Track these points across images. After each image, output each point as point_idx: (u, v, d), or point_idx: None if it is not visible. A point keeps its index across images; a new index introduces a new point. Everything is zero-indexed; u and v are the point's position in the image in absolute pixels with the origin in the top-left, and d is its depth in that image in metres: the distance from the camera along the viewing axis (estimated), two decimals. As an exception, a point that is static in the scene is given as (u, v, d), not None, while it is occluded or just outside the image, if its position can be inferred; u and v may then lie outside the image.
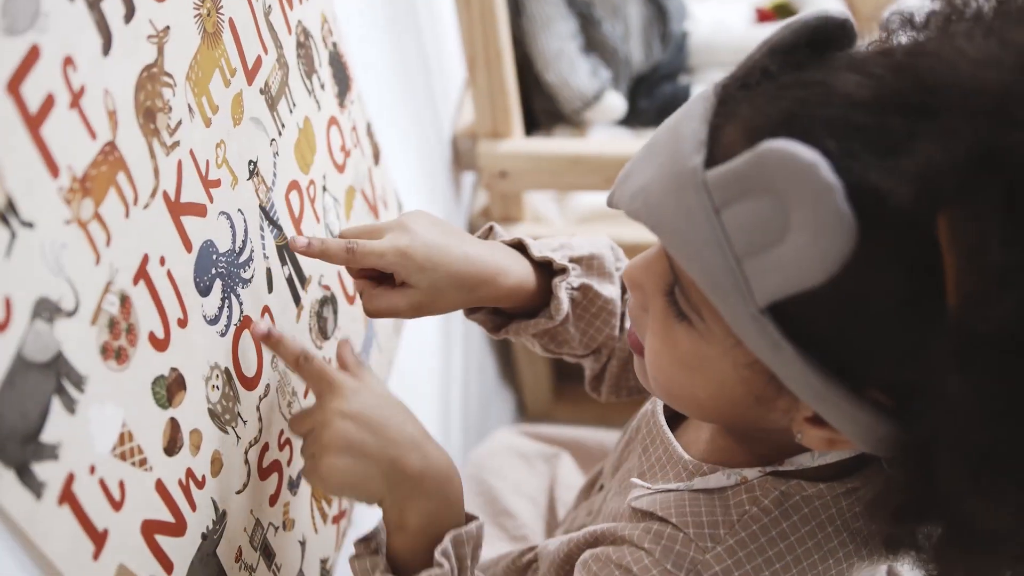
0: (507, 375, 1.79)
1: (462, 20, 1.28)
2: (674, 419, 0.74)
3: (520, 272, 0.77)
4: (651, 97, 1.68)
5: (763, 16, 1.82)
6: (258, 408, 0.73)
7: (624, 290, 0.83)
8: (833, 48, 0.55)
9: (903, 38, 0.53)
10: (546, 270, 0.80)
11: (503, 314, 0.82)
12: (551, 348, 0.83)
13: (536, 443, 1.14)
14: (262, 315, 0.74)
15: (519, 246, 0.79)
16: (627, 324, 0.82)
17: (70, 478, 0.52)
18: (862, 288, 0.48)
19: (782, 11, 1.81)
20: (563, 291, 0.78)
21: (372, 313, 0.75)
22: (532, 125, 1.63)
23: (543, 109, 1.63)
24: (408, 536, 0.67)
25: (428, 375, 1.31)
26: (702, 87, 1.73)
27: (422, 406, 1.27)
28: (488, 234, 0.83)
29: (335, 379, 0.68)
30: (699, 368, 0.59)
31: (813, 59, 0.53)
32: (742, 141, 0.51)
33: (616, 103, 1.59)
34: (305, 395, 0.81)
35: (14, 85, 0.48)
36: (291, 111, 0.79)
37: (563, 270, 0.79)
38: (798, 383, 0.52)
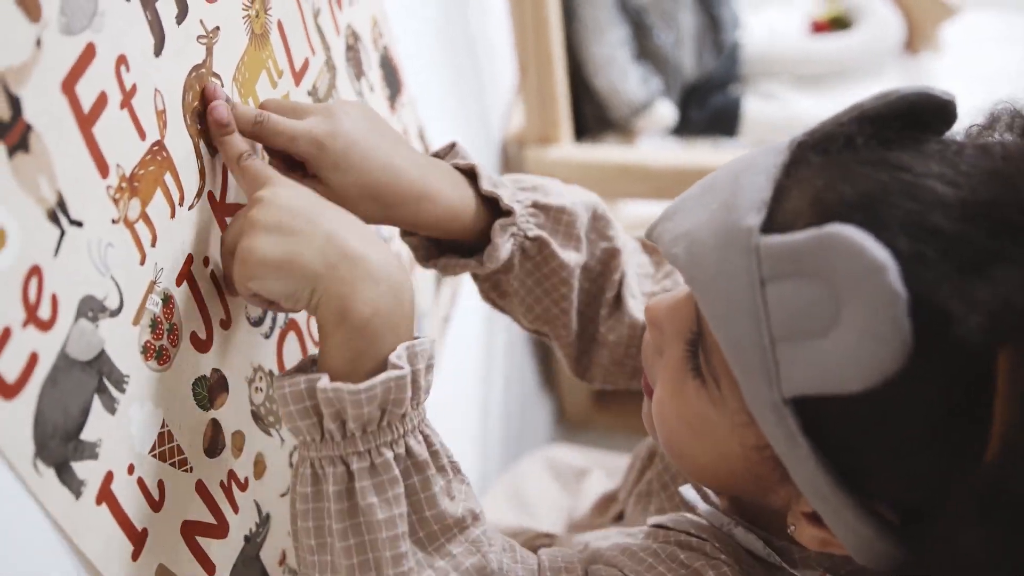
0: (547, 380, 1.78)
1: (515, 24, 1.28)
2: None
3: (454, 201, 0.67)
4: (702, 107, 1.67)
5: (818, 27, 1.81)
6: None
7: (603, 276, 0.75)
8: (928, 128, 0.50)
9: (1007, 135, 0.49)
10: (494, 208, 0.70)
11: (439, 245, 0.72)
12: (492, 296, 0.75)
13: (576, 458, 1.12)
14: (309, 317, 0.73)
15: (470, 173, 0.70)
16: (633, 310, 0.76)
17: (109, 477, 0.52)
18: (898, 407, 0.45)
19: (837, 23, 1.80)
20: (504, 237, 0.69)
21: None
22: (581, 131, 1.62)
23: (593, 115, 1.62)
24: (348, 332, 0.54)
25: (469, 378, 1.31)
26: (754, 98, 1.72)
27: (462, 409, 1.27)
28: (448, 152, 0.72)
29: (277, 175, 0.59)
30: (704, 433, 0.54)
31: (904, 137, 0.49)
32: (808, 213, 0.47)
33: (666, 112, 1.59)
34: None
35: (69, 84, 0.48)
36: (339, 114, 0.78)
37: (509, 212, 0.69)
38: (806, 481, 0.48)
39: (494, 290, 0.74)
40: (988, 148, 0.47)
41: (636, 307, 0.75)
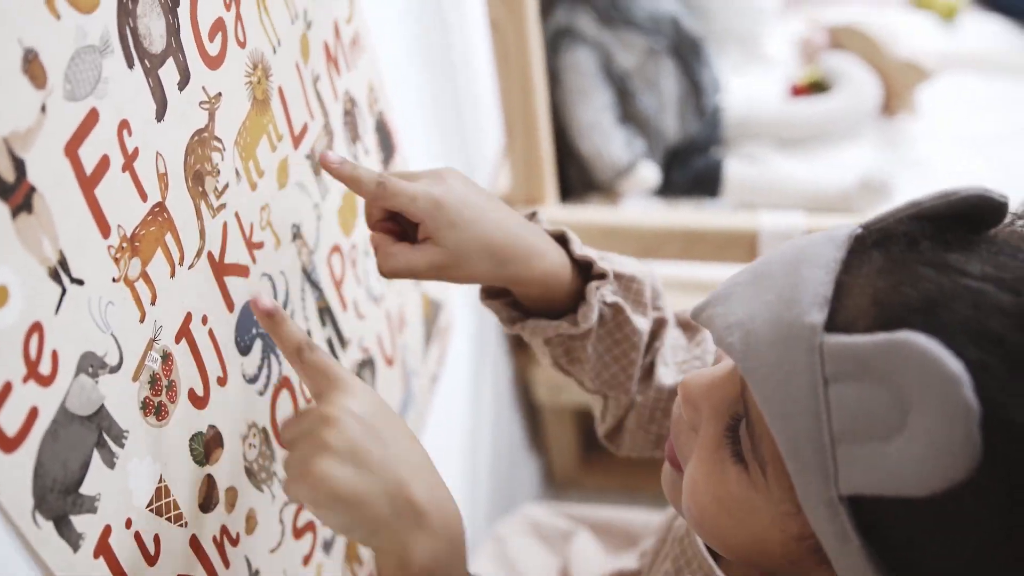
0: (534, 440, 1.79)
1: (502, 89, 1.31)
2: None
3: (556, 261, 0.70)
4: (684, 169, 1.70)
5: (797, 91, 1.85)
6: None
7: (654, 338, 0.77)
8: (981, 226, 0.50)
9: None
10: (583, 272, 0.73)
11: (520, 309, 0.74)
12: (562, 363, 0.75)
13: (560, 519, 1.11)
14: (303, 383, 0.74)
15: (561, 238, 0.72)
16: (663, 377, 0.76)
17: (107, 531, 0.52)
18: (957, 514, 0.44)
19: (816, 86, 1.84)
20: (596, 298, 0.71)
21: (387, 271, 0.67)
22: (567, 192, 1.65)
23: (578, 177, 1.65)
24: None
25: (457, 439, 1.31)
26: (736, 160, 1.76)
27: (450, 470, 1.27)
28: (531, 218, 0.74)
29: (342, 375, 0.58)
30: (741, 515, 0.53)
31: (961, 239, 0.49)
32: (870, 313, 0.46)
33: (649, 174, 1.62)
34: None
35: (72, 148, 0.49)
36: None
37: (602, 275, 0.71)
38: (851, 573, 0.48)
39: (565, 356, 0.75)
40: None
41: (666, 374, 0.76)
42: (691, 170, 1.70)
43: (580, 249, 0.71)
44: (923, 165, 1.69)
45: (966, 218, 0.50)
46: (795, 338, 0.47)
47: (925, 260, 0.47)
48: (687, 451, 0.57)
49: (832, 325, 0.47)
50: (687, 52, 1.67)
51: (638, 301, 0.74)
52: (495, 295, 0.75)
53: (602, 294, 0.71)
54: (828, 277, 0.48)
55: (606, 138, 1.59)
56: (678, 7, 1.71)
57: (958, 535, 0.45)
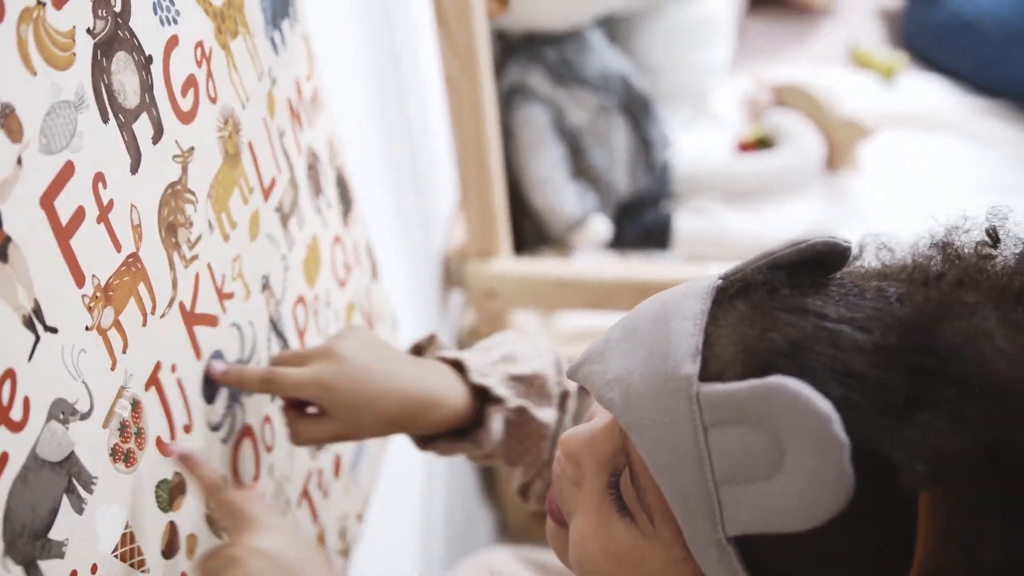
0: (488, 492, 1.79)
1: (456, 144, 1.33)
2: None
3: (452, 403, 0.73)
4: (635, 222, 1.74)
5: (744, 147, 1.90)
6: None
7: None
8: (829, 269, 0.53)
9: (874, 263, 0.53)
10: (483, 395, 0.76)
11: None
12: (477, 457, 0.79)
13: (523, 570, 1.11)
14: (263, 424, 0.76)
15: (458, 364, 0.76)
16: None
17: (73, 576, 0.53)
18: (834, 544, 0.47)
19: (762, 143, 1.90)
20: (496, 422, 0.74)
21: (296, 443, 0.73)
22: (520, 245, 1.68)
23: (531, 230, 1.69)
24: None
25: (410, 489, 1.32)
26: (685, 213, 1.79)
27: (403, 520, 1.28)
28: (430, 344, 0.79)
29: (252, 512, 0.63)
30: (632, 565, 0.54)
31: (813, 283, 0.52)
32: (740, 360, 0.49)
33: (601, 227, 1.65)
34: (299, 504, 0.82)
35: (48, 199, 0.51)
36: (300, 228, 0.82)
37: (499, 400, 0.75)
38: None
39: (480, 456, 0.78)
40: (883, 290, 0.50)
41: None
42: (641, 224, 1.74)
43: (478, 377, 0.74)
44: (865, 218, 1.75)
45: (815, 263, 0.53)
46: (672, 390, 0.49)
47: (785, 306, 0.49)
48: (571, 506, 0.58)
49: (705, 375, 0.49)
50: (637, 109, 1.72)
51: (541, 394, 0.77)
52: None
53: (505, 405, 0.74)
54: (696, 329, 0.50)
55: (558, 193, 1.62)
56: (628, 66, 1.76)
57: (838, 566, 0.47)
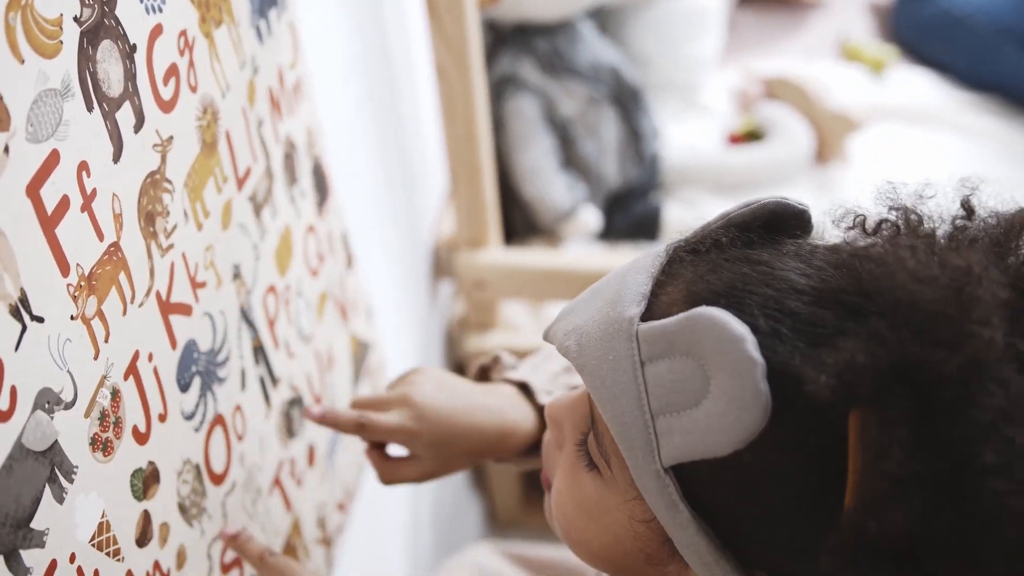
0: (477, 481, 1.80)
1: (447, 134, 1.34)
2: None
3: (525, 427, 0.77)
4: (625, 213, 1.74)
5: (734, 139, 1.91)
6: (223, 504, 0.74)
7: None
8: (786, 233, 0.56)
9: (853, 236, 0.55)
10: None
11: None
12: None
13: (509, 568, 1.12)
14: (234, 413, 0.76)
15: (524, 387, 0.80)
16: None
17: (53, 565, 0.53)
18: (764, 469, 0.49)
19: (752, 135, 1.90)
20: None
21: (385, 483, 0.78)
22: (510, 235, 1.68)
23: (521, 221, 1.69)
24: None
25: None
26: (674, 204, 1.80)
27: (392, 509, 1.28)
28: (495, 364, 0.83)
29: (294, 570, 0.71)
30: (597, 516, 0.58)
31: (765, 240, 0.55)
32: (680, 303, 0.52)
33: (590, 218, 1.65)
34: (270, 492, 0.83)
35: (34, 188, 0.51)
36: (273, 217, 0.82)
37: None
38: (689, 548, 0.51)
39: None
40: (838, 246, 0.53)
41: None
42: (631, 214, 1.74)
43: (544, 398, 0.78)
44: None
45: (772, 225, 0.56)
46: (616, 331, 0.52)
47: (730, 256, 0.53)
48: (553, 469, 0.63)
49: (648, 316, 0.52)
50: (627, 100, 1.72)
51: None
52: None
53: None
54: (647, 278, 0.54)
55: (548, 183, 1.62)
56: (619, 57, 1.76)
57: (771, 491, 0.49)
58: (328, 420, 0.77)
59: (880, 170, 1.87)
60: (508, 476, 1.74)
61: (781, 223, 0.56)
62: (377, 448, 0.79)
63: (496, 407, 0.77)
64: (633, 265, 0.56)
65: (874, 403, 0.45)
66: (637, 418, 0.51)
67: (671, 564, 0.56)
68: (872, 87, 2.06)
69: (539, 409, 0.78)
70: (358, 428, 0.76)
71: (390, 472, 0.78)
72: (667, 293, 0.53)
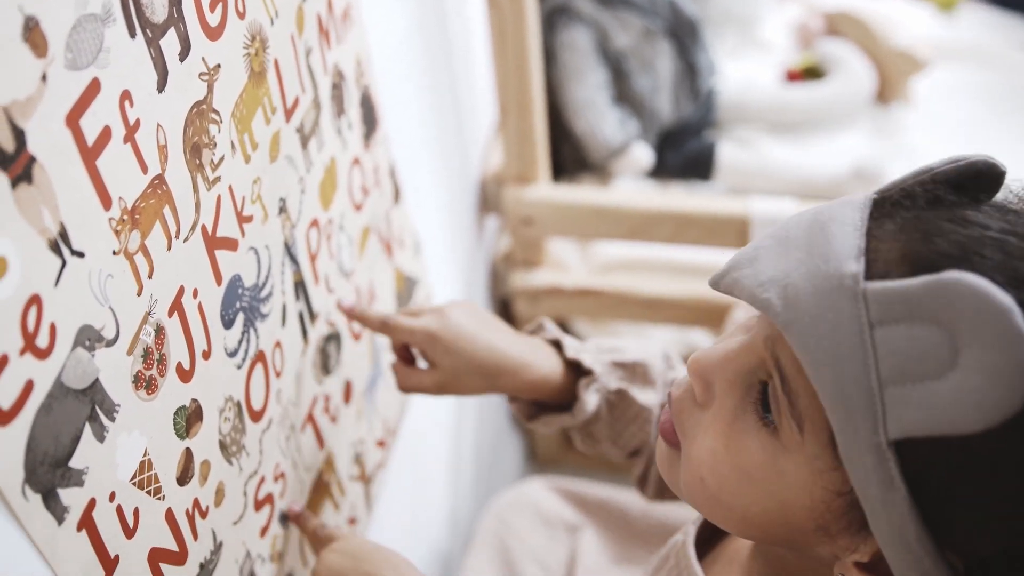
0: (518, 420, 1.79)
1: (497, 67, 1.30)
2: (703, 550, 0.70)
3: (544, 368, 0.80)
4: (677, 151, 1.69)
5: (792, 76, 1.84)
6: (260, 440, 0.73)
7: None
8: (976, 193, 0.52)
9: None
10: (579, 371, 0.83)
11: (539, 406, 0.85)
12: (588, 443, 0.86)
13: (562, 504, 1.13)
14: (274, 349, 0.75)
15: (557, 344, 0.83)
16: None
17: (91, 504, 0.52)
18: (1003, 454, 0.45)
19: (811, 72, 1.84)
20: (587, 393, 0.80)
21: (403, 389, 0.83)
22: (559, 171, 1.65)
23: (570, 156, 1.64)
24: None
25: (441, 416, 1.31)
26: (728, 143, 1.75)
27: (433, 446, 1.28)
28: (538, 329, 0.86)
29: (333, 534, 0.77)
30: (764, 482, 0.53)
31: (969, 199, 0.51)
32: (905, 262, 0.48)
33: (643, 155, 1.61)
34: (302, 429, 0.82)
35: (74, 118, 0.49)
36: (319, 150, 0.80)
37: (589, 372, 0.81)
38: (891, 526, 0.47)
39: (589, 439, 0.85)
40: None
41: None
42: (684, 152, 1.69)
43: (572, 352, 0.81)
44: (916, 154, 1.69)
45: (970, 185, 0.52)
46: (836, 288, 0.48)
47: (947, 216, 0.49)
48: (691, 427, 0.58)
49: (870, 275, 0.48)
50: (684, 34, 1.66)
51: (646, 380, 0.83)
52: (515, 398, 0.85)
53: (604, 385, 0.81)
54: (857, 233, 0.50)
55: (600, 117, 1.58)
56: (676, -12, 1.70)
57: (998, 477, 0.45)
58: (356, 314, 0.83)
59: (944, 113, 1.81)
60: None
61: (979, 182, 0.52)
62: (403, 359, 0.83)
63: (520, 341, 0.81)
64: (831, 215, 0.52)
65: None
66: (861, 385, 0.46)
67: (844, 538, 0.52)
68: (940, 25, 1.98)
69: (568, 364, 0.82)
70: (382, 325, 0.81)
71: (407, 378, 0.82)
72: (883, 251, 0.49)
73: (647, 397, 0.82)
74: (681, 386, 0.59)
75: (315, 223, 0.81)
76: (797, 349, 0.49)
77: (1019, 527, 0.46)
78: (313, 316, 0.82)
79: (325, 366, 0.86)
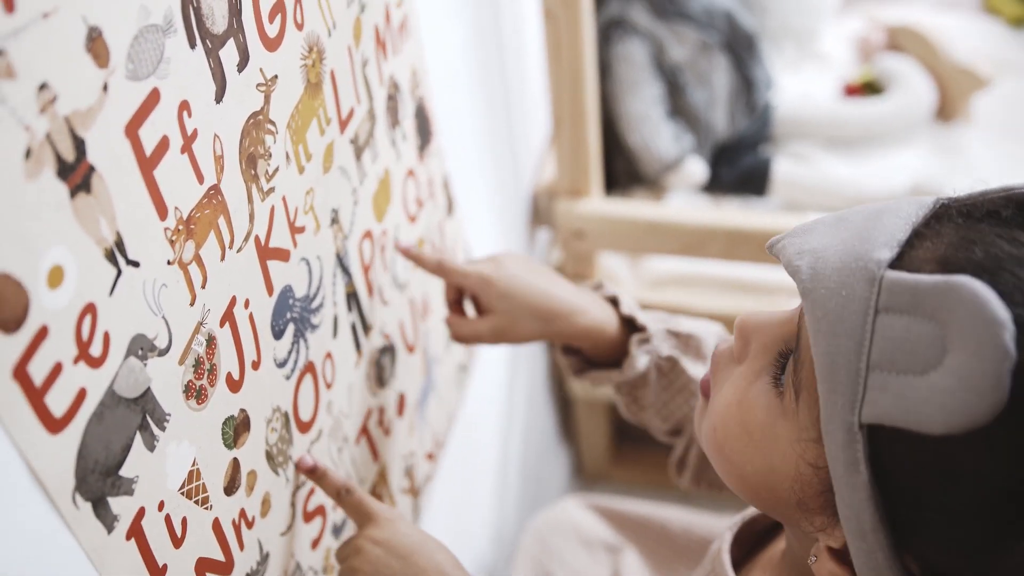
0: (566, 433, 1.78)
1: (551, 78, 1.30)
2: (741, 562, 0.71)
3: (599, 316, 0.80)
4: (732, 166, 1.67)
5: (850, 91, 1.81)
6: (309, 451, 0.73)
7: None
8: None
9: None
10: (633, 329, 0.83)
11: (588, 363, 0.85)
12: (633, 409, 0.85)
13: (602, 524, 1.12)
14: (324, 361, 0.75)
15: (614, 301, 0.83)
16: None
17: (140, 513, 0.53)
18: (968, 464, 0.45)
19: (870, 87, 1.80)
20: (638, 348, 0.80)
21: (458, 338, 0.82)
22: (611, 184, 1.64)
23: (624, 170, 1.63)
24: None
25: (489, 428, 1.31)
26: (784, 158, 1.72)
27: (480, 459, 1.27)
28: (597, 288, 0.86)
29: (372, 509, 0.72)
30: (761, 442, 0.56)
31: None
32: (934, 262, 0.48)
33: (696, 169, 1.59)
34: (356, 441, 0.82)
35: (133, 128, 0.49)
36: (374, 161, 0.80)
37: (643, 329, 0.81)
38: (851, 510, 0.49)
39: (634, 403, 0.85)
40: None
41: None
42: (739, 167, 1.67)
43: (627, 308, 0.82)
44: (976, 172, 1.66)
45: None
46: (859, 268, 0.49)
47: (999, 232, 0.48)
48: (721, 380, 0.61)
49: (898, 265, 0.49)
50: (741, 47, 1.64)
51: (698, 353, 0.82)
52: (568, 351, 0.85)
53: (655, 348, 0.81)
54: (906, 225, 0.51)
55: (655, 131, 1.57)
56: (733, 2, 1.68)
57: (960, 485, 0.46)
58: (412, 255, 0.83)
59: (1006, 132, 1.77)
60: (596, 428, 1.72)
61: None
62: (455, 311, 0.84)
63: (575, 290, 0.82)
64: (892, 206, 0.53)
65: None
66: (851, 363, 0.48)
67: (820, 516, 0.53)
68: (1008, 42, 1.93)
69: (622, 321, 0.82)
70: (438, 266, 0.81)
71: (461, 326, 0.82)
72: (923, 248, 0.50)
73: (697, 370, 0.81)
74: (727, 343, 0.62)
75: (368, 234, 0.81)
76: (808, 316, 0.50)
77: (977, 546, 0.46)
78: (367, 328, 0.82)
79: (380, 378, 0.86)
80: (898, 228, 0.50)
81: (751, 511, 0.72)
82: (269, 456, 0.67)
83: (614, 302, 0.83)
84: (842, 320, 0.48)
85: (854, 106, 1.74)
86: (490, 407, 1.31)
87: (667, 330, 0.82)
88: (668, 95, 1.61)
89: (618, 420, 1.71)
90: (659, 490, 1.69)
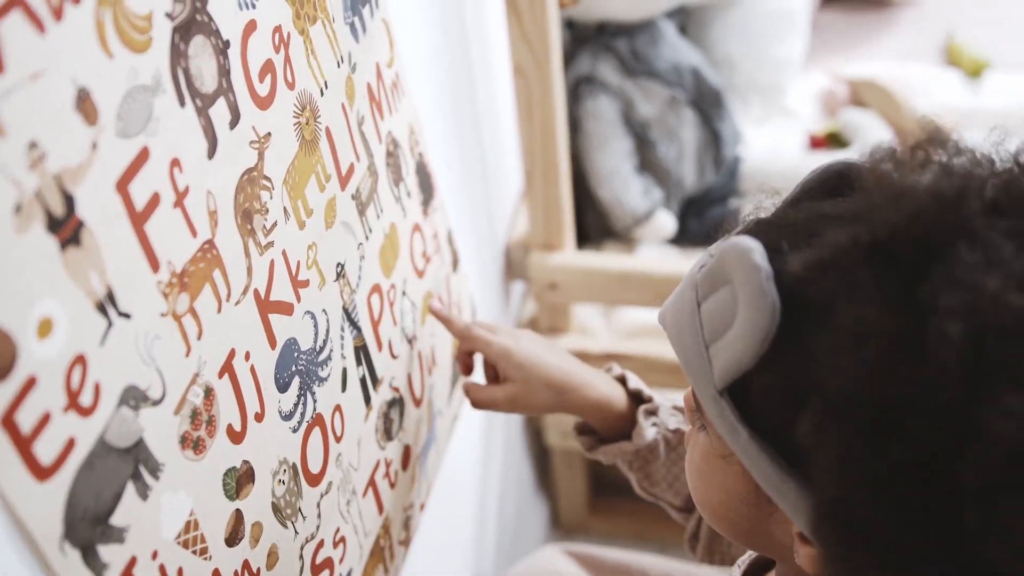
0: (543, 485, 1.78)
1: (523, 134, 1.32)
2: None
3: (608, 391, 0.86)
4: (701, 218, 1.70)
5: (816, 143, 1.84)
6: (318, 504, 0.73)
7: None
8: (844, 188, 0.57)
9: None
10: (639, 403, 0.87)
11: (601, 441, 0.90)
12: (645, 485, 0.89)
13: (581, 572, 1.11)
14: (333, 414, 0.75)
15: (621, 379, 0.88)
16: None
17: (132, 562, 0.53)
18: (799, 375, 0.49)
19: (834, 139, 1.83)
20: (646, 419, 0.84)
21: (475, 403, 0.88)
22: (583, 238, 1.66)
23: (595, 224, 1.66)
24: None
25: (467, 479, 1.31)
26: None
27: (457, 511, 1.28)
28: (607, 370, 0.91)
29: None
30: (709, 474, 0.60)
31: (834, 192, 0.57)
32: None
33: (666, 222, 1.62)
34: (364, 494, 0.82)
35: (123, 184, 0.50)
36: (378, 216, 0.81)
37: (650, 399, 0.86)
38: (756, 471, 0.53)
39: (646, 479, 0.88)
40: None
41: None
42: (707, 220, 1.70)
43: (634, 384, 0.87)
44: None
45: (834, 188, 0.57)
46: (688, 285, 0.56)
47: (797, 210, 0.56)
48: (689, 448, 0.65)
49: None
50: (708, 103, 1.67)
51: None
52: (582, 431, 0.90)
53: (662, 421, 0.85)
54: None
55: (624, 186, 1.59)
56: (700, 59, 1.71)
57: (806, 399, 0.48)
58: (443, 317, 0.92)
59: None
60: (573, 479, 1.72)
61: (836, 183, 0.57)
62: (464, 368, 0.93)
63: (582, 366, 0.88)
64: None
65: (849, 286, 0.47)
66: (699, 352, 0.54)
67: (768, 504, 0.56)
68: (967, 92, 1.94)
69: (630, 395, 0.86)
70: (465, 331, 0.89)
71: (478, 392, 0.88)
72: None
73: None
74: None
75: (377, 288, 0.82)
76: (671, 343, 0.58)
77: (852, 467, 0.47)
78: (376, 381, 0.83)
79: (388, 431, 0.86)
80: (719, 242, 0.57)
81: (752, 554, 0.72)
82: (276, 508, 0.67)
83: (622, 381, 0.88)
84: (682, 325, 0.56)
85: (819, 158, 1.75)
86: (468, 456, 1.31)
87: (673, 406, 0.87)
88: (637, 150, 1.63)
89: (595, 471, 1.72)
90: (636, 541, 1.69)
